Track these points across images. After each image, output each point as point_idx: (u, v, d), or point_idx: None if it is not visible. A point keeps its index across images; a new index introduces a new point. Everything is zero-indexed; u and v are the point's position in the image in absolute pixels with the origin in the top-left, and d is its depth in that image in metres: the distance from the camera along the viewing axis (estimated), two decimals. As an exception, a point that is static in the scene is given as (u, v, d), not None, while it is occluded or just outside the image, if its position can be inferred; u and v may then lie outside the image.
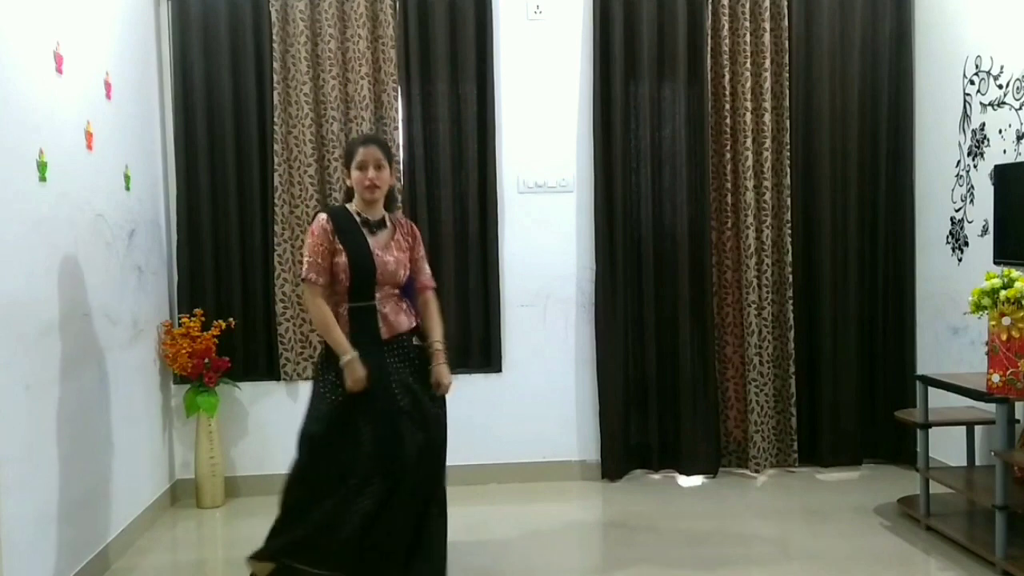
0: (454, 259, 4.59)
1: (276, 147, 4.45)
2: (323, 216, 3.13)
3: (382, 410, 3.03)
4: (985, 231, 4.12)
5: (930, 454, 3.95)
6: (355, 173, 3.13)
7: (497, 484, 4.58)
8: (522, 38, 4.62)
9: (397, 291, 3.19)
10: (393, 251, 3.18)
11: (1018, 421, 3.64)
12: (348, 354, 3.00)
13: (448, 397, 3.38)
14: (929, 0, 4.62)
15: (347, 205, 3.21)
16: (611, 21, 4.56)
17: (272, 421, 4.55)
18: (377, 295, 3.12)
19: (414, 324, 3.21)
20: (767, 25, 4.59)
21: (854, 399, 4.76)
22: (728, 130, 4.62)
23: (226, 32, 4.45)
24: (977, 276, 3.79)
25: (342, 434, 3.04)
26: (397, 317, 3.15)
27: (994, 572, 3.33)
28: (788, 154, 4.68)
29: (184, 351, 4.23)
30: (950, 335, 4.41)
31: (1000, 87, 4.04)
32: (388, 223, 3.23)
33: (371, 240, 3.14)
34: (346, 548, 2.97)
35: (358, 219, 3.15)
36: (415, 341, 3.20)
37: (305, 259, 3.09)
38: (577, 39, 4.64)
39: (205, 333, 4.31)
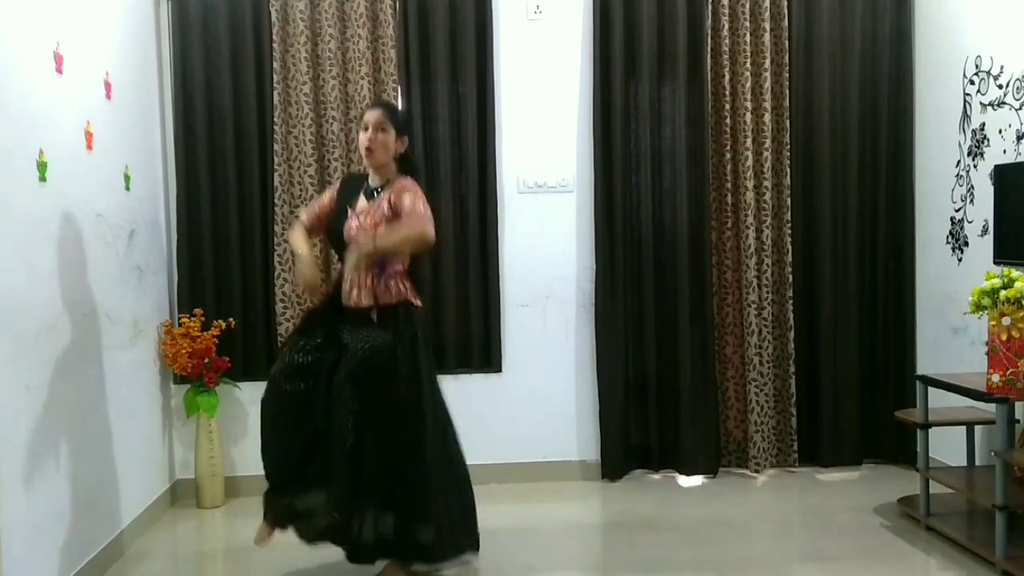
0: (454, 259, 4.58)
1: (276, 147, 4.45)
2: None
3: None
4: (985, 231, 4.12)
5: (930, 454, 3.95)
6: (361, 135, 3.26)
7: (497, 484, 4.58)
8: (522, 38, 4.62)
9: (376, 263, 3.15)
10: (362, 217, 3.20)
11: (1018, 421, 3.64)
12: (302, 250, 3.27)
13: (448, 397, 3.39)
14: (929, 0, 4.62)
15: (366, 171, 3.36)
16: (611, 21, 4.56)
17: (272, 421, 4.56)
18: (346, 261, 3.20)
19: (373, 303, 3.17)
20: (767, 25, 4.59)
21: (854, 399, 4.76)
22: (728, 130, 4.62)
23: (226, 32, 4.45)
24: (977, 276, 3.79)
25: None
26: (354, 291, 3.18)
27: (994, 572, 3.33)
28: (788, 154, 4.68)
29: (184, 351, 4.23)
30: (950, 335, 4.41)
31: (1000, 87, 4.04)
32: (383, 190, 3.25)
33: (358, 204, 3.26)
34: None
35: (365, 184, 3.29)
36: (373, 316, 3.20)
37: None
38: (577, 39, 4.64)
39: (205, 333, 4.31)
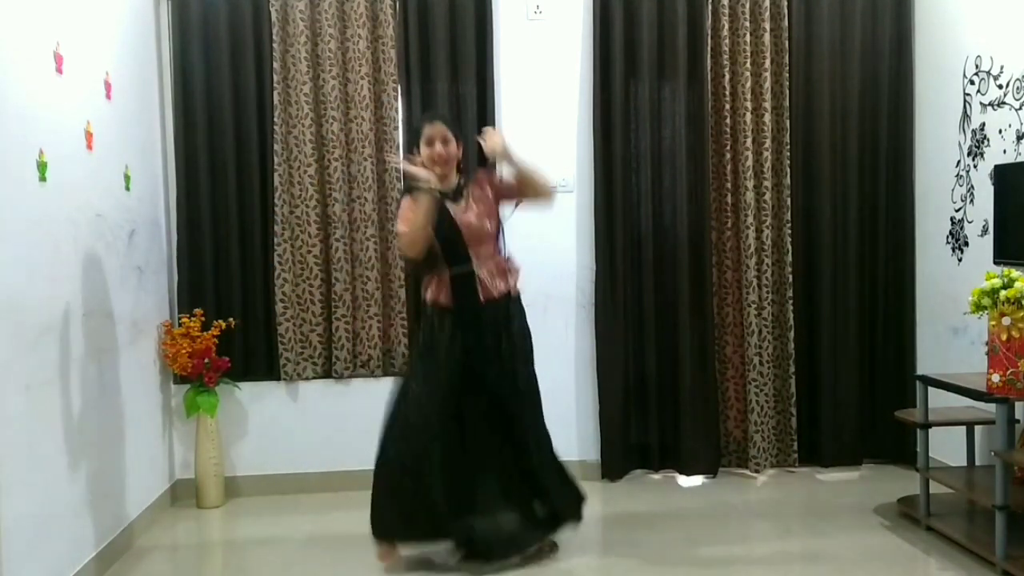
0: (454, 259, 4.58)
1: (276, 147, 4.45)
2: (406, 200, 3.37)
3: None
4: (985, 231, 4.12)
5: (930, 454, 3.95)
6: (424, 150, 3.38)
7: (497, 484, 4.57)
8: (522, 38, 4.62)
9: (494, 252, 3.43)
10: (473, 208, 3.40)
11: (1018, 421, 3.64)
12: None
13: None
14: (929, 0, 4.62)
15: None
16: (611, 21, 4.56)
17: (272, 421, 4.56)
18: (474, 260, 3.36)
19: (509, 288, 3.46)
20: (767, 25, 4.59)
21: (854, 399, 4.76)
22: (728, 130, 4.62)
23: (226, 32, 4.45)
24: (977, 276, 3.79)
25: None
26: (493, 281, 3.39)
27: (994, 572, 3.33)
28: (788, 154, 4.68)
29: (184, 351, 4.23)
30: (950, 335, 4.41)
31: (1000, 87, 4.04)
32: (464, 185, 3.44)
33: (451, 208, 3.37)
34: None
35: (441, 194, 3.36)
36: (510, 305, 3.47)
37: (398, 223, 3.40)
38: (577, 39, 4.64)
39: (205, 333, 4.31)
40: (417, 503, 3.34)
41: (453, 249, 3.38)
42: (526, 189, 3.47)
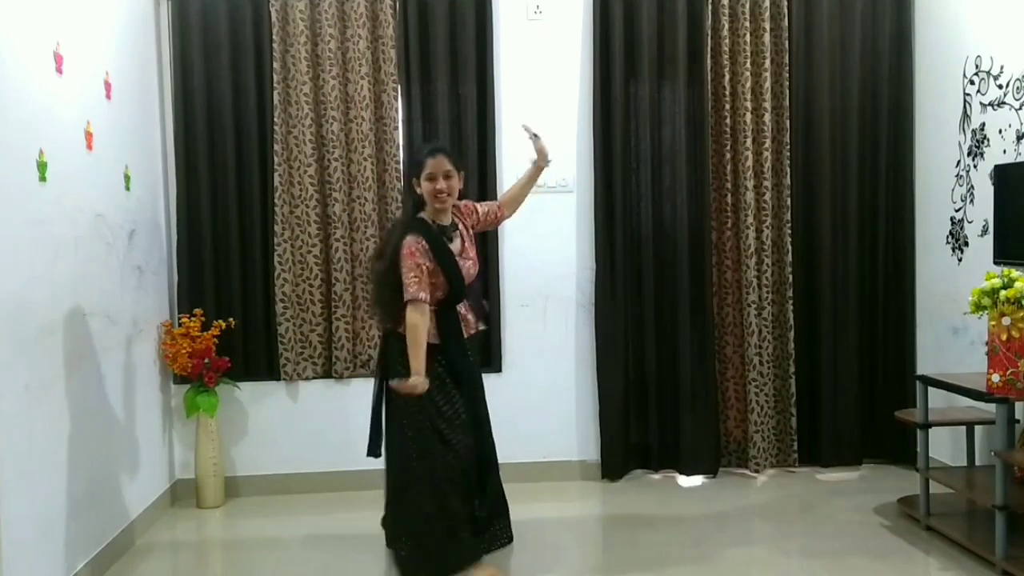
0: (454, 259, 4.58)
1: (276, 147, 4.45)
2: (411, 238, 3.23)
3: (469, 398, 3.37)
4: (985, 231, 4.12)
5: (930, 454, 3.95)
6: (425, 184, 3.26)
7: (497, 484, 4.57)
8: (522, 38, 4.62)
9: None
10: (468, 252, 3.37)
11: (1018, 421, 3.65)
12: (420, 376, 3.14)
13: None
14: (929, 0, 4.62)
15: (422, 216, 3.31)
16: (611, 21, 4.56)
17: (272, 421, 4.56)
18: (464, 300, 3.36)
19: (476, 326, 3.47)
20: (767, 25, 4.59)
21: (854, 399, 4.76)
22: (728, 130, 4.62)
23: (226, 32, 4.45)
24: (977, 276, 3.79)
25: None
26: (467, 315, 3.39)
27: (994, 572, 3.33)
28: (788, 154, 4.68)
29: (184, 351, 4.23)
30: (950, 335, 4.41)
31: (1000, 87, 4.04)
32: (456, 223, 3.39)
33: (452, 248, 3.31)
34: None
35: (435, 228, 3.29)
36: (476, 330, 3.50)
37: (410, 279, 3.16)
38: (577, 39, 4.64)
39: (205, 333, 4.31)
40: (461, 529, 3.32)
41: (456, 292, 3.30)
42: (517, 202, 3.70)
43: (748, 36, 4.60)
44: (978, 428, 4.09)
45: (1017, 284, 3.28)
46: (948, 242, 4.45)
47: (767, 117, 4.62)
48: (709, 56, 4.60)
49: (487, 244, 4.58)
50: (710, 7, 4.58)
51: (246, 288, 4.54)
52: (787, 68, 4.66)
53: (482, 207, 3.57)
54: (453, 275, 3.27)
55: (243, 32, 4.45)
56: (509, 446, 4.61)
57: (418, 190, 3.31)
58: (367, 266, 4.43)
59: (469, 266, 3.37)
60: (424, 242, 3.23)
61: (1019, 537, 3.40)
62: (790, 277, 4.70)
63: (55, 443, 3.16)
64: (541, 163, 3.64)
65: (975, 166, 4.23)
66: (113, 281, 3.76)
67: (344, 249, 4.50)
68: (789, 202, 4.69)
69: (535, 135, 3.62)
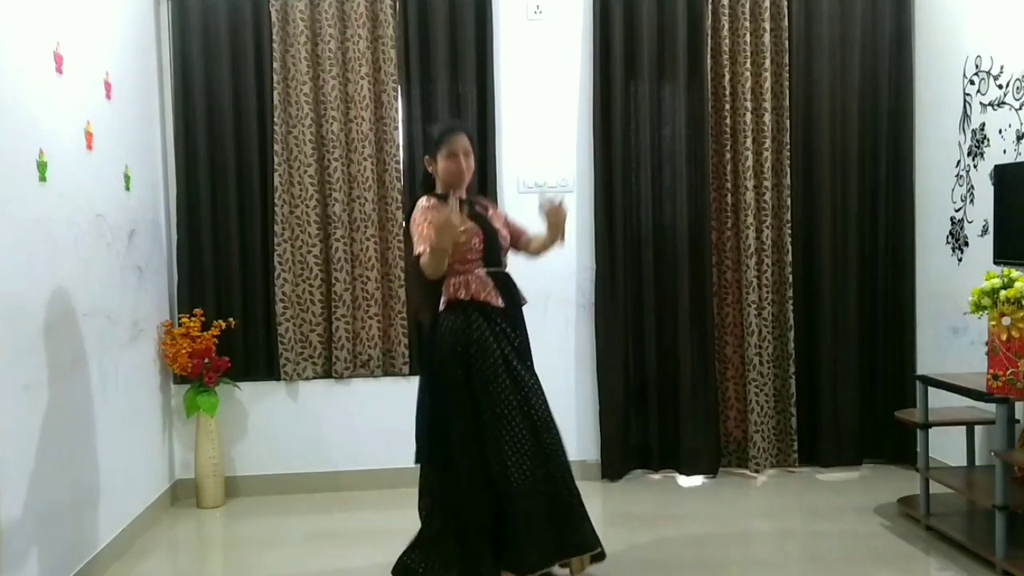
0: (454, 259, 4.58)
1: (276, 147, 4.45)
2: (423, 199, 3.18)
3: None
4: (985, 231, 4.12)
5: (930, 454, 3.95)
6: (444, 162, 3.19)
7: (497, 484, 4.57)
8: (522, 38, 4.62)
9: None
10: (494, 221, 3.32)
11: (1018, 421, 3.65)
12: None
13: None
14: (929, 0, 4.62)
15: (436, 193, 3.23)
16: (611, 21, 4.56)
17: (272, 421, 4.56)
18: (504, 264, 3.29)
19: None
20: (767, 25, 4.59)
21: (854, 399, 4.76)
22: (728, 130, 4.62)
23: (226, 32, 4.45)
24: (977, 276, 3.79)
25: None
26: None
27: (994, 572, 3.33)
28: (788, 154, 4.68)
29: (184, 351, 4.23)
30: (950, 335, 4.41)
31: (1000, 87, 4.04)
32: (473, 202, 3.33)
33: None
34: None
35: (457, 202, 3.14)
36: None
37: (417, 235, 3.05)
38: (577, 39, 4.64)
39: (205, 333, 4.31)
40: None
41: (492, 248, 3.22)
42: (529, 248, 3.50)
43: (748, 36, 4.60)
44: (978, 428, 4.09)
45: (1017, 284, 3.28)
46: (948, 242, 4.45)
47: (767, 117, 4.62)
48: (709, 56, 4.60)
49: (487, 244, 4.58)
50: (710, 7, 4.58)
51: (246, 288, 4.55)
52: (787, 68, 4.66)
53: (511, 218, 3.50)
54: (485, 226, 3.20)
55: (243, 32, 4.46)
56: (509, 446, 4.64)
57: (430, 169, 3.25)
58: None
59: (504, 236, 3.30)
60: (435, 200, 3.14)
61: (1019, 537, 3.40)
62: (790, 277, 4.70)
63: (55, 443, 3.16)
64: (553, 237, 3.36)
65: (975, 166, 4.22)
66: (113, 281, 3.76)
67: (344, 249, 4.50)
68: (789, 202, 4.69)
69: (552, 201, 3.33)
